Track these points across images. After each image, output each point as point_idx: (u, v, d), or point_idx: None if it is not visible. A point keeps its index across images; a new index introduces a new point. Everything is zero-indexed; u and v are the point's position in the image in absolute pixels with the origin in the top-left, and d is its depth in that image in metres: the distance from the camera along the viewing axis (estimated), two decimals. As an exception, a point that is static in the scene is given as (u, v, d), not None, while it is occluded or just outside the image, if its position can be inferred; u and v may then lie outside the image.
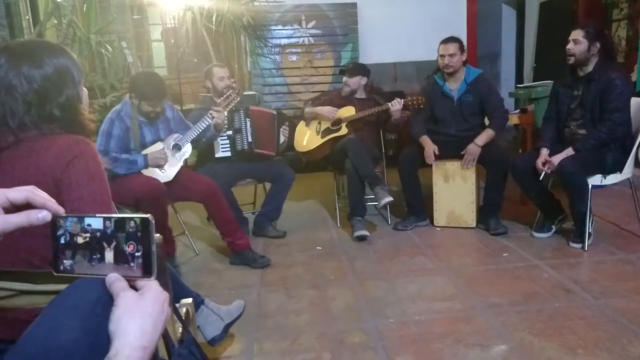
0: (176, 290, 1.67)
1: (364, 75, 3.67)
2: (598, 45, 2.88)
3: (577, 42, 2.88)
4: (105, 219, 0.71)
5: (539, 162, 2.95)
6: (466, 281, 2.62)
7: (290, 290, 2.63)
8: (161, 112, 2.89)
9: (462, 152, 3.31)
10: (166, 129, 2.96)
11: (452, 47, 3.32)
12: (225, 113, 3.33)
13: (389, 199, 3.20)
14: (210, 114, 3.00)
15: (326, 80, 5.61)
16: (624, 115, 2.87)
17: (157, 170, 2.85)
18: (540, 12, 6.68)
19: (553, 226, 3.18)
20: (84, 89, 1.38)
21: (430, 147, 3.35)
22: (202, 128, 3.00)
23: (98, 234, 0.71)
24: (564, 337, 2.01)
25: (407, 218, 3.53)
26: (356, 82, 3.63)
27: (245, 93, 4.95)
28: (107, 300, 0.69)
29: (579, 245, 2.94)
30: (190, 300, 1.63)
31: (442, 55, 3.34)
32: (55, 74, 1.25)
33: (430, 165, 3.41)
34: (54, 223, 0.73)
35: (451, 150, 3.36)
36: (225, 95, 3.17)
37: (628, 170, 2.97)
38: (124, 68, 4.57)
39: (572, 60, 2.93)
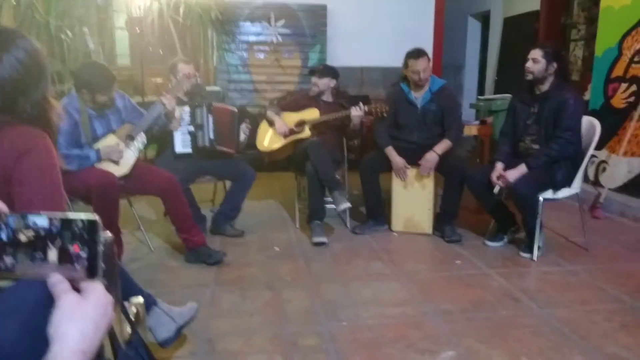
0: (126, 288, 1.64)
1: (333, 77, 3.69)
2: (555, 65, 3.00)
3: (536, 61, 2.99)
4: (51, 217, 0.69)
5: (494, 176, 3.04)
6: (419, 287, 2.67)
7: (245, 290, 2.61)
8: (112, 100, 2.83)
9: (419, 162, 3.37)
10: (117, 119, 2.89)
11: (424, 62, 3.36)
12: (188, 108, 3.29)
13: (347, 205, 3.22)
14: (161, 100, 2.95)
15: (293, 79, 5.62)
16: (575, 134, 2.99)
17: (111, 163, 2.78)
18: (504, 27, 6.89)
19: (505, 236, 3.29)
20: None
21: (399, 162, 3.39)
22: (154, 116, 2.95)
23: (42, 232, 0.69)
24: (509, 345, 2.08)
25: (365, 222, 3.57)
26: (325, 83, 3.65)
27: (209, 89, 4.88)
28: (48, 302, 0.67)
29: (528, 256, 3.04)
30: (141, 299, 1.60)
31: (415, 71, 3.36)
32: (30, 62, 1.21)
33: (391, 171, 3.46)
34: (-4, 220, 0.70)
35: (411, 157, 3.41)
36: (174, 81, 3.12)
37: (577, 185, 3.10)
38: (84, 54, 4.43)
39: (530, 77, 3.03)
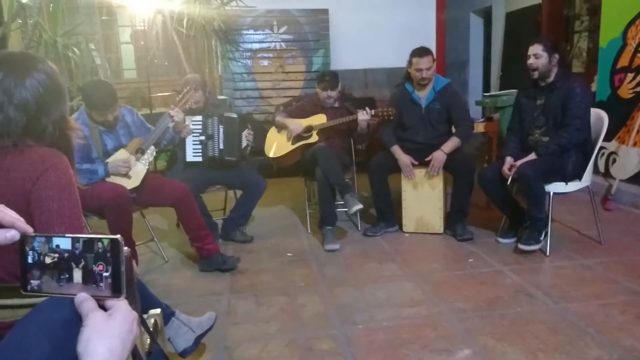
0: (144, 301, 1.67)
1: (339, 82, 3.71)
2: (557, 56, 3.01)
3: (538, 57, 2.99)
4: (74, 239, 0.71)
5: (505, 168, 3.04)
6: (433, 287, 2.68)
7: (259, 297, 2.63)
8: (117, 119, 2.85)
9: (427, 159, 3.38)
10: (127, 134, 2.93)
11: (428, 61, 3.36)
12: (199, 118, 3.34)
13: (359, 206, 3.24)
14: (169, 114, 2.99)
15: (297, 85, 5.65)
16: (584, 121, 2.99)
17: (122, 177, 2.82)
18: (507, 22, 6.88)
19: (515, 236, 3.25)
20: None
21: (405, 160, 3.41)
22: (163, 129, 2.98)
23: (66, 254, 0.71)
24: (526, 341, 2.09)
25: (376, 224, 3.58)
26: (337, 91, 3.67)
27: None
28: (75, 321, 0.70)
29: (527, 248, 2.99)
30: (158, 311, 1.63)
31: (419, 70, 3.37)
32: (51, 84, 1.27)
33: (400, 171, 3.47)
34: (22, 242, 0.73)
35: (419, 157, 3.43)
36: (182, 94, 3.15)
37: (587, 178, 3.09)
38: (91, 70, 4.50)
39: (536, 74, 3.03)
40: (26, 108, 1.23)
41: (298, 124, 3.58)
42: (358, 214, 3.58)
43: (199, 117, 3.34)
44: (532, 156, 3.00)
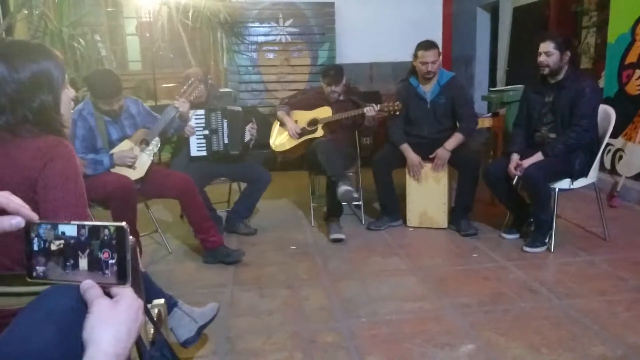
0: (148, 291, 1.67)
1: (344, 76, 3.68)
2: (568, 53, 2.98)
3: (549, 54, 2.96)
4: (79, 226, 0.71)
5: (511, 167, 3.03)
6: (437, 281, 2.68)
7: (263, 289, 2.64)
8: (122, 108, 2.85)
9: (431, 156, 3.37)
10: (131, 125, 2.93)
11: (434, 54, 3.34)
12: (202, 112, 3.33)
13: (347, 187, 3.13)
14: (174, 105, 2.99)
15: (303, 78, 5.64)
16: (591, 122, 2.97)
17: (127, 167, 2.82)
18: (514, 17, 6.82)
19: (519, 233, 3.24)
20: (70, 90, 1.35)
21: (414, 160, 3.39)
22: (168, 120, 2.98)
23: (72, 241, 0.71)
24: (529, 337, 2.08)
25: (380, 218, 3.57)
26: (342, 86, 3.64)
27: (221, 90, 4.92)
28: (81, 308, 0.70)
29: (532, 250, 2.99)
30: (162, 301, 1.63)
31: (424, 63, 3.35)
32: (31, 79, 1.23)
33: (404, 166, 3.46)
34: (28, 229, 0.73)
35: (423, 152, 3.41)
36: (187, 84, 3.15)
37: (593, 174, 3.07)
38: (97, 61, 4.50)
39: (547, 70, 3.00)
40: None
41: (295, 126, 3.56)
42: (362, 208, 3.57)
43: (202, 112, 3.33)
44: (538, 156, 2.97)
